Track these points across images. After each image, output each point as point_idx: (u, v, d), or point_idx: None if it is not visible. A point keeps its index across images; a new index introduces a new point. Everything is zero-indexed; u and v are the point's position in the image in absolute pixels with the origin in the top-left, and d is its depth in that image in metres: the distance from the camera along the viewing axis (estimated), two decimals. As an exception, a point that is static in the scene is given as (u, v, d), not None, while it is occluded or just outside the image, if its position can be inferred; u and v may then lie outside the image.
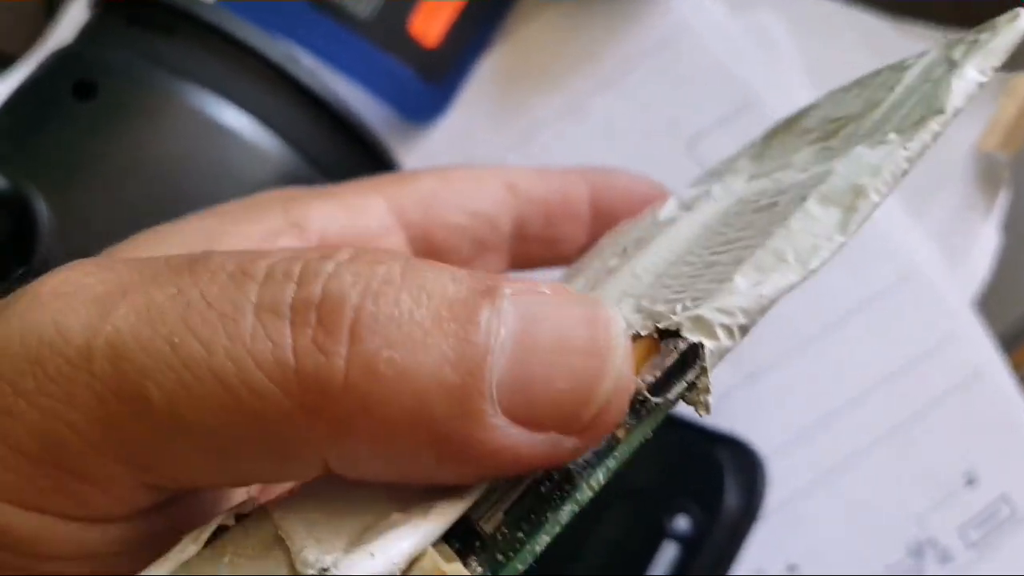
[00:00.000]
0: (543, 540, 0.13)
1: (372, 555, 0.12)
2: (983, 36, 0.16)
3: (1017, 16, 0.16)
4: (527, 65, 0.36)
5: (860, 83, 0.20)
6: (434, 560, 0.13)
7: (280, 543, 0.13)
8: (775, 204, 0.16)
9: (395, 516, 0.13)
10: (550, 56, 0.36)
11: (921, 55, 0.18)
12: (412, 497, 0.13)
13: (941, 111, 0.15)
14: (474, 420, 0.13)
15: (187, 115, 0.26)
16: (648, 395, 0.14)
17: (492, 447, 0.13)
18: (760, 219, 0.16)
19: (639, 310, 0.15)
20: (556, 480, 0.13)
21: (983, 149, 0.31)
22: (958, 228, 0.31)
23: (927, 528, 0.29)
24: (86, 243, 0.24)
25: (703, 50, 0.35)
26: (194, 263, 0.14)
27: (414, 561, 0.13)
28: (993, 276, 0.31)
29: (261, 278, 0.13)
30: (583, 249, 0.24)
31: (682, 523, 0.26)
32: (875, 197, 0.14)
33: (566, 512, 0.13)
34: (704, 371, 0.14)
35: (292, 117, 0.28)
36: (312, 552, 0.13)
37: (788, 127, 0.22)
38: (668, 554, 0.26)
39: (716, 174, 0.23)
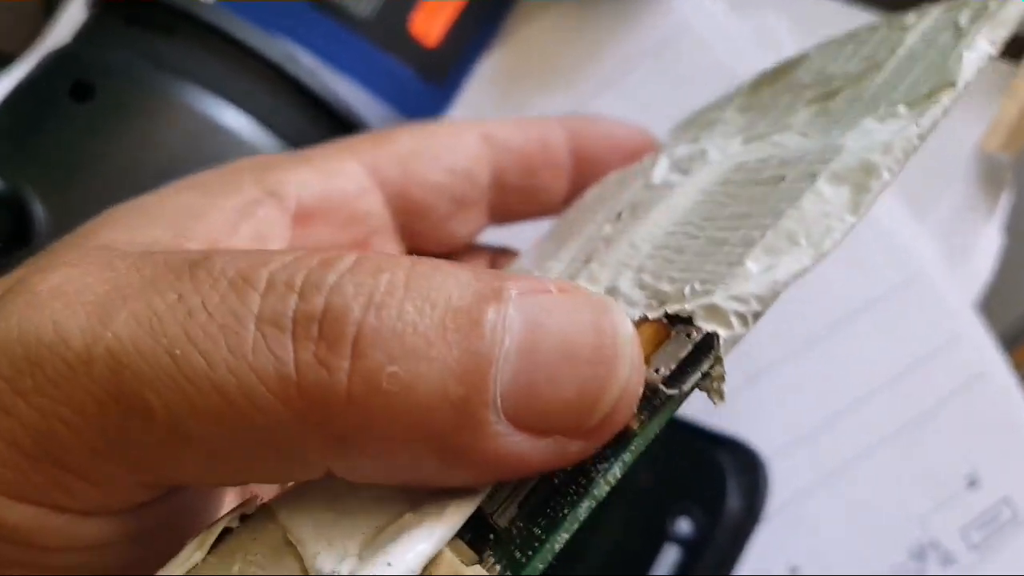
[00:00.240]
0: (562, 538, 0.13)
1: (389, 564, 0.12)
2: (992, 3, 0.16)
3: None
4: (528, 65, 0.36)
5: (854, 38, 0.19)
6: (452, 562, 0.13)
7: (290, 547, 0.13)
8: (781, 178, 0.15)
9: (407, 517, 0.13)
10: (551, 56, 0.36)
11: (921, 14, 0.17)
12: (422, 494, 0.13)
13: (952, 84, 0.15)
14: (478, 430, 0.12)
15: (185, 115, 0.26)
16: (663, 387, 0.13)
17: (496, 455, 0.13)
18: (767, 194, 0.15)
19: (641, 285, 0.15)
20: (570, 471, 0.13)
21: (986, 150, 0.31)
22: (960, 229, 0.31)
23: (929, 530, 0.29)
24: (84, 244, 0.24)
25: (705, 50, 0.35)
26: (195, 267, 0.13)
27: (430, 562, 0.13)
28: (995, 277, 0.31)
29: (263, 288, 0.13)
30: (566, 199, 0.23)
31: (684, 526, 0.26)
32: (887, 175, 0.14)
33: (584, 508, 0.13)
34: (719, 360, 0.13)
35: (291, 117, 0.27)
36: (326, 559, 0.12)
37: (776, 78, 0.21)
38: (670, 557, 0.26)
39: (704, 125, 0.22)
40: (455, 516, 0.13)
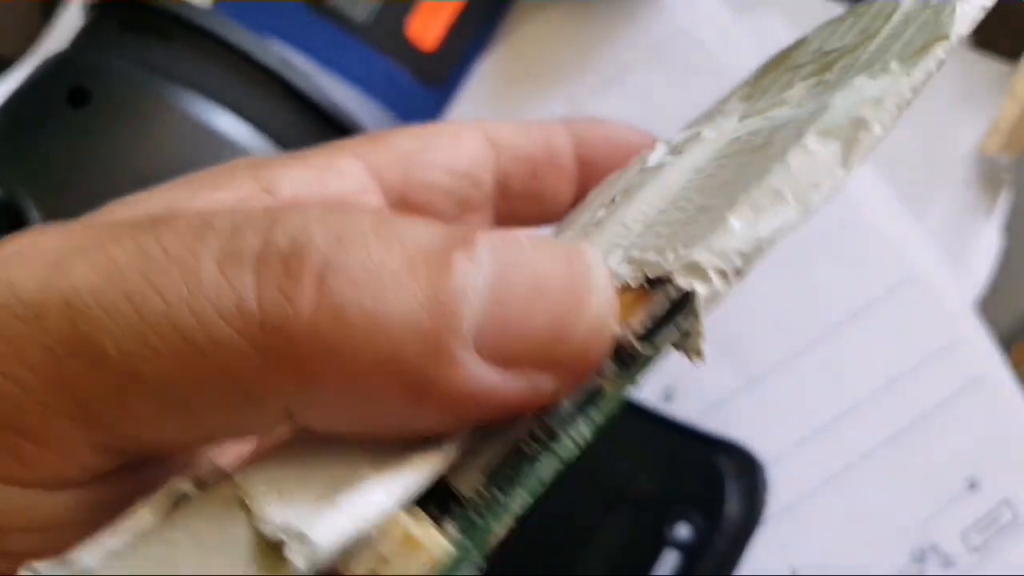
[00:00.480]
0: (521, 497, 0.12)
1: (340, 509, 0.12)
2: None
3: None
4: (525, 67, 0.36)
5: (854, 11, 0.19)
6: (402, 522, 0.12)
7: (242, 504, 0.12)
8: (770, 143, 0.15)
9: (366, 470, 0.12)
10: (548, 58, 0.36)
11: None
12: (387, 454, 0.13)
13: (945, 37, 0.14)
14: (447, 361, 0.12)
15: (181, 121, 0.26)
16: (636, 344, 0.13)
17: (467, 388, 0.12)
18: (756, 159, 0.15)
19: (629, 261, 0.15)
20: (541, 439, 0.13)
21: (984, 151, 0.31)
22: (959, 230, 0.31)
23: (929, 533, 0.29)
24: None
25: (702, 50, 0.35)
26: (157, 222, 0.13)
27: (385, 523, 0.12)
28: (995, 279, 0.31)
29: (225, 229, 0.13)
30: (571, 204, 0.23)
31: (683, 530, 0.26)
32: (878, 129, 0.14)
33: (546, 466, 0.13)
34: (697, 316, 0.13)
35: (287, 121, 0.27)
36: (274, 509, 0.12)
37: (778, 63, 0.21)
38: (669, 562, 0.26)
39: (707, 116, 0.22)
40: (417, 471, 0.13)
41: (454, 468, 0.13)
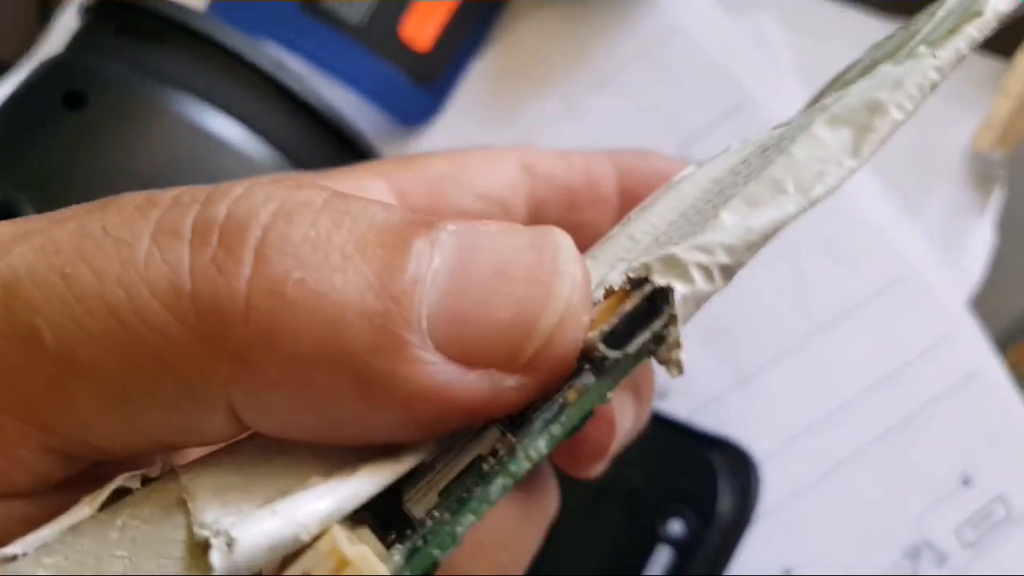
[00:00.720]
0: (467, 520, 0.11)
1: (274, 512, 0.11)
2: None
3: None
4: (519, 67, 0.36)
5: (904, 26, 0.18)
6: (334, 537, 0.11)
7: (182, 505, 0.12)
8: (784, 138, 0.14)
9: (314, 479, 0.11)
10: (542, 58, 0.36)
11: None
12: (340, 462, 0.12)
13: (978, 13, 0.13)
14: (399, 353, 0.11)
15: (177, 123, 0.26)
16: (603, 347, 0.12)
17: (421, 385, 0.11)
18: (768, 157, 0.14)
19: (630, 271, 0.13)
20: (501, 456, 0.12)
21: (977, 148, 0.31)
22: (953, 227, 0.31)
23: (923, 529, 0.29)
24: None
25: (697, 50, 0.35)
26: (107, 202, 0.12)
27: (316, 537, 0.11)
28: (988, 275, 0.31)
29: (164, 204, 0.12)
30: None
31: (676, 527, 0.26)
32: (897, 113, 0.12)
33: (497, 487, 0.11)
34: (673, 320, 0.12)
35: (282, 124, 0.28)
36: (212, 514, 0.11)
37: (829, 87, 0.20)
38: (662, 558, 0.26)
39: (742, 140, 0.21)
40: (365, 480, 0.11)
41: (413, 487, 0.12)
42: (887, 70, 0.13)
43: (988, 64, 0.32)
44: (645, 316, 0.12)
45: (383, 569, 0.11)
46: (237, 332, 0.11)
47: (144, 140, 0.26)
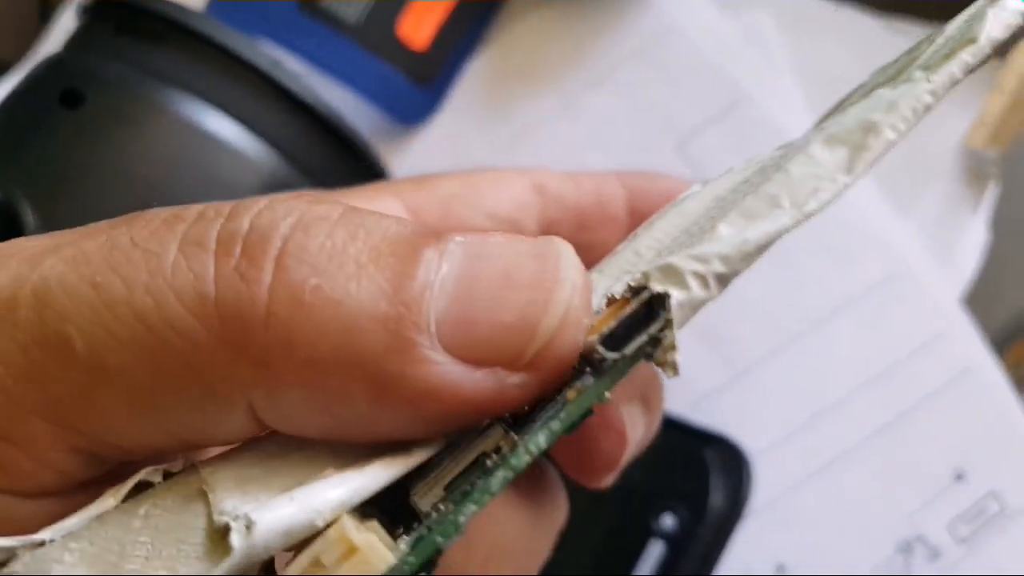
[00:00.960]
0: (469, 510, 0.12)
1: (291, 499, 0.12)
2: None
3: None
4: (516, 66, 0.36)
5: (907, 51, 0.19)
6: (344, 526, 0.12)
7: (203, 496, 0.12)
8: (784, 157, 0.14)
9: (329, 471, 0.12)
10: (539, 57, 0.36)
11: (972, 6, 0.16)
12: (354, 456, 0.13)
13: (973, 40, 0.14)
14: (409, 354, 0.12)
15: (174, 122, 0.26)
16: (601, 348, 0.12)
17: (430, 384, 0.12)
18: (766, 173, 0.14)
19: (632, 281, 0.14)
20: (503, 452, 0.12)
21: (970, 146, 0.31)
22: (946, 224, 0.31)
23: (916, 525, 0.29)
24: (73, 250, 0.25)
25: (693, 49, 0.35)
26: (134, 216, 0.13)
27: (327, 527, 0.12)
28: (981, 273, 0.31)
29: (192, 218, 0.13)
30: None
31: (668, 522, 0.26)
32: (890, 134, 0.13)
33: (498, 479, 0.12)
34: (669, 324, 0.12)
35: (279, 123, 0.28)
36: (232, 502, 0.12)
37: (833, 111, 0.21)
38: (654, 553, 0.26)
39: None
40: (378, 473, 0.12)
41: (420, 482, 0.13)
42: (883, 93, 0.14)
43: (982, 62, 0.32)
44: (643, 320, 0.13)
45: (389, 556, 0.12)
46: (258, 337, 0.12)
47: (141, 139, 0.26)
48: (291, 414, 0.12)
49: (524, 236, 0.13)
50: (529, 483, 0.18)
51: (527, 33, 0.36)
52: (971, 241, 0.31)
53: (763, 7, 0.35)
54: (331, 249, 0.12)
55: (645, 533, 0.26)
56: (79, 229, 0.13)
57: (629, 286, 0.13)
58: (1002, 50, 0.31)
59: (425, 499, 0.13)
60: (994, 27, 0.14)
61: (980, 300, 0.31)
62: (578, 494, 0.18)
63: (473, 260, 0.12)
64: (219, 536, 0.12)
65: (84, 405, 0.12)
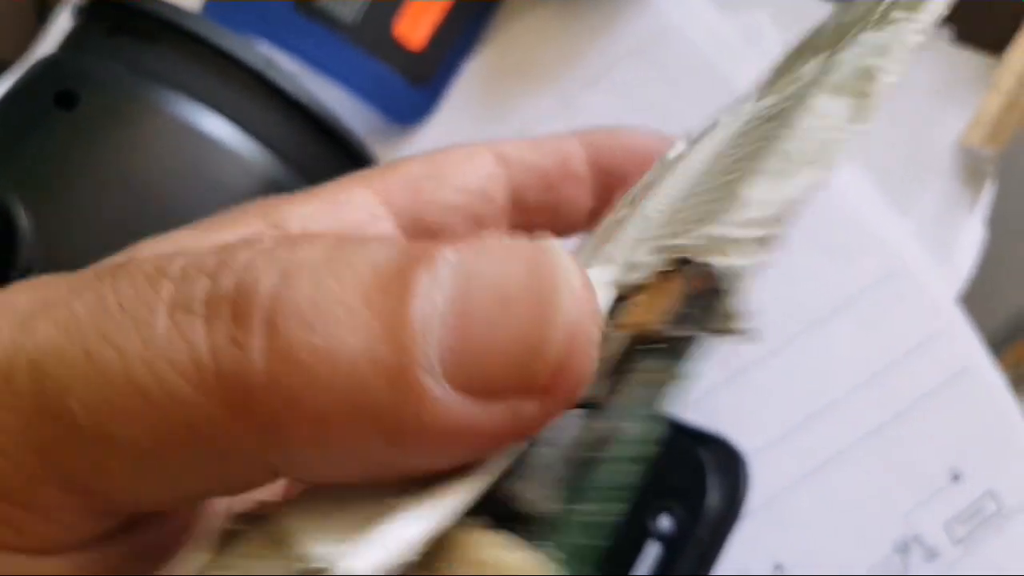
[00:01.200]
0: (599, 504, 0.12)
1: (384, 546, 0.11)
2: None
3: None
4: (513, 65, 0.36)
5: None
6: (478, 542, 0.11)
7: (283, 542, 0.12)
8: (783, 112, 0.15)
9: (406, 501, 0.12)
10: (537, 56, 0.36)
11: None
12: (427, 483, 0.12)
13: None
14: (417, 397, 0.11)
15: (169, 123, 0.26)
16: (670, 329, 0.12)
17: (444, 426, 0.11)
18: (769, 128, 0.15)
19: (658, 250, 0.14)
20: (602, 439, 0.12)
21: (967, 144, 0.31)
22: (943, 224, 0.31)
23: (913, 525, 0.29)
24: (68, 252, 0.24)
25: (691, 49, 0.35)
26: (117, 268, 0.13)
27: (450, 546, 0.11)
28: (978, 272, 0.31)
29: (177, 276, 0.12)
30: (591, 214, 0.22)
31: (664, 523, 0.26)
32: (886, 78, 0.13)
33: (618, 466, 0.12)
34: (727, 293, 0.12)
35: (274, 124, 0.28)
36: (316, 545, 0.12)
37: (797, 53, 0.20)
38: (651, 554, 0.26)
39: (726, 110, 0.22)
40: (458, 495, 0.12)
41: (511, 479, 0.12)
42: (870, 38, 0.14)
43: (978, 60, 0.32)
44: (700, 295, 0.13)
45: (551, 569, 0.11)
46: (263, 401, 0.11)
47: (136, 140, 0.26)
48: (315, 469, 0.12)
49: (519, 242, 0.12)
50: None
51: (524, 32, 0.36)
52: (968, 240, 0.31)
53: (762, 6, 0.35)
54: (320, 299, 0.11)
55: (641, 535, 0.26)
56: (67, 280, 0.13)
57: (670, 259, 0.13)
58: (999, 46, 0.31)
59: (531, 498, 0.12)
60: None
61: (977, 300, 0.31)
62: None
63: (465, 280, 0.12)
64: None
65: (95, 472, 0.12)
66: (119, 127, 0.26)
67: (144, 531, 0.14)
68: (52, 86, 0.26)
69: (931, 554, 0.29)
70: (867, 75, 0.13)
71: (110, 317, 0.12)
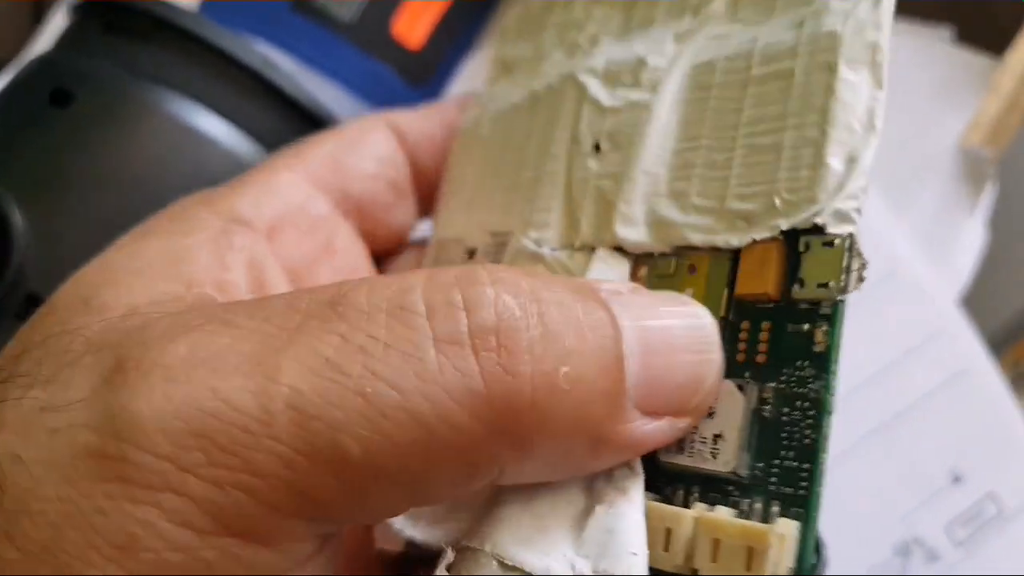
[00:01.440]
0: (824, 459, 0.14)
1: (634, 554, 0.14)
2: None
3: None
4: (512, 66, 0.36)
5: None
6: (738, 524, 0.14)
7: (513, 570, 0.14)
8: (790, 73, 0.16)
9: (598, 508, 0.14)
10: (535, 57, 0.36)
11: None
12: (588, 481, 0.15)
13: None
14: (621, 418, 0.14)
15: (164, 122, 0.26)
16: (840, 296, 0.15)
17: (632, 438, 0.14)
18: (786, 91, 0.16)
19: (696, 209, 0.16)
20: (772, 402, 0.14)
21: (966, 145, 0.31)
22: (942, 225, 0.31)
23: (913, 527, 0.29)
24: (62, 251, 0.24)
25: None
26: (334, 306, 0.14)
27: (711, 535, 0.14)
28: (979, 274, 0.31)
29: (423, 312, 0.13)
30: None
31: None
32: (886, 45, 0.15)
33: (828, 424, 0.14)
34: (860, 256, 0.14)
35: (271, 123, 0.27)
36: (552, 565, 0.14)
37: None
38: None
39: (543, 31, 0.23)
40: (636, 489, 0.15)
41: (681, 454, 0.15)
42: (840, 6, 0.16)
43: (978, 62, 0.32)
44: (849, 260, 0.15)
45: (790, 526, 0.14)
46: (524, 423, 0.13)
47: (131, 138, 0.26)
48: (531, 475, 0.14)
49: (678, 298, 0.15)
50: None
51: (522, 32, 0.36)
52: (968, 242, 0.31)
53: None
54: (561, 332, 0.14)
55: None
56: (267, 321, 0.14)
57: (782, 231, 0.15)
58: (999, 48, 0.31)
59: (719, 463, 0.15)
60: None
61: (978, 301, 0.31)
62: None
63: (640, 326, 0.14)
64: None
65: (351, 500, 0.13)
66: (114, 126, 0.26)
67: (333, 540, 0.15)
68: (47, 84, 0.26)
69: (931, 556, 0.29)
70: (874, 47, 0.15)
71: (375, 356, 0.13)
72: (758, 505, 0.14)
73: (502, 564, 0.14)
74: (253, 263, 0.19)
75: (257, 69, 0.27)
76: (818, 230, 0.15)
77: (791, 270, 0.15)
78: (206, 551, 0.13)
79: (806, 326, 0.15)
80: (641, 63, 0.19)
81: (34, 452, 0.13)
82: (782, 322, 0.15)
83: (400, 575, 0.19)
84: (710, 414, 0.15)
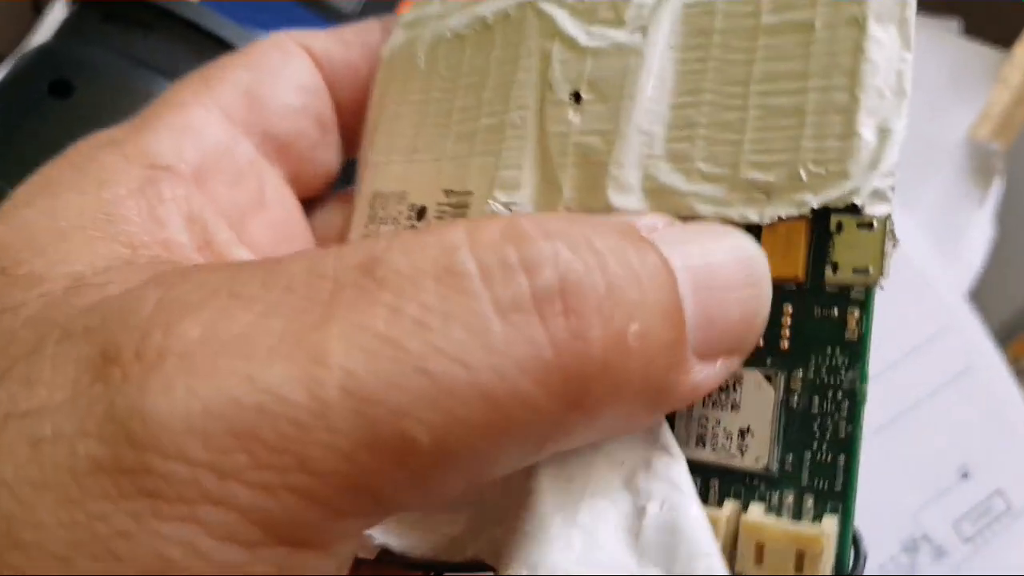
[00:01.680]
0: (860, 451, 0.13)
1: (708, 553, 0.13)
2: None
3: None
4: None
5: None
6: (779, 532, 0.13)
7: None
8: (809, 24, 0.14)
9: (652, 490, 0.13)
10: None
11: None
12: (620, 474, 0.14)
13: None
14: (683, 368, 0.13)
15: (165, 112, 0.26)
16: (881, 280, 0.14)
17: (690, 387, 0.13)
18: (805, 46, 0.14)
19: (710, 178, 0.15)
20: (800, 392, 0.14)
21: (974, 138, 0.30)
22: (951, 219, 0.31)
23: (921, 524, 0.29)
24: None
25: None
26: (369, 271, 0.12)
27: (755, 537, 0.13)
28: (987, 268, 0.30)
29: (478, 275, 0.12)
30: None
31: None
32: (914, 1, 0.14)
33: (862, 416, 0.13)
34: (893, 236, 0.14)
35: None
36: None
37: None
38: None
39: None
40: (684, 476, 0.14)
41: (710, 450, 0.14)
42: None
43: (986, 53, 0.32)
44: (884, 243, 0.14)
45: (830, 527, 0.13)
46: (594, 389, 0.12)
47: (132, 129, 0.26)
48: (581, 441, 0.13)
49: (721, 229, 0.14)
50: None
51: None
52: (977, 236, 0.30)
53: None
54: (623, 286, 0.12)
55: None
56: (291, 292, 0.12)
57: (812, 209, 0.14)
58: (1007, 40, 0.31)
59: (746, 459, 0.14)
60: None
61: (986, 295, 0.30)
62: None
63: (692, 267, 0.13)
64: None
65: (414, 493, 0.12)
66: (114, 116, 0.25)
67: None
68: (47, 75, 0.26)
69: (939, 552, 0.28)
70: (902, 3, 0.14)
71: (432, 330, 0.11)
72: (789, 499, 0.13)
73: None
74: (192, 217, 0.16)
75: (259, 59, 0.27)
76: (854, 209, 0.14)
77: (819, 251, 0.14)
78: (257, 566, 0.11)
79: (835, 311, 0.14)
80: (610, 4, 0.17)
81: (14, 470, 0.11)
82: (808, 306, 0.14)
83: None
84: (734, 407, 0.14)
